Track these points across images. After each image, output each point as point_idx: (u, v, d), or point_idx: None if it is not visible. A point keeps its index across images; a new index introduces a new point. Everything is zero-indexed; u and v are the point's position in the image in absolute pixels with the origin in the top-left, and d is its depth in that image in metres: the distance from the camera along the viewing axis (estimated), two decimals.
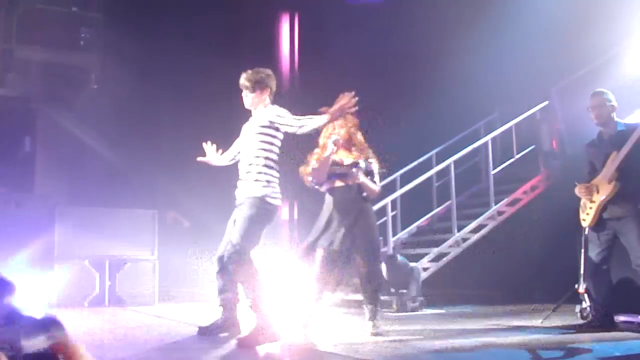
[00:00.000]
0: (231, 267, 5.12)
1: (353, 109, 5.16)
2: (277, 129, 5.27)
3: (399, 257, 8.38)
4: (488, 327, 6.15)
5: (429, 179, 10.13)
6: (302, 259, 5.61)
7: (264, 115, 5.32)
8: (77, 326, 5.78)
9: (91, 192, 9.57)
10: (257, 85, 5.40)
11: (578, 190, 5.77)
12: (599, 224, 5.64)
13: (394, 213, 9.57)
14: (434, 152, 10.82)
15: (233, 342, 5.00)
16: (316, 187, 5.67)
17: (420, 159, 10.78)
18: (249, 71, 5.45)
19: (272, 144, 5.27)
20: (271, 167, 5.25)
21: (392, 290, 8.12)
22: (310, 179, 5.61)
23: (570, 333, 5.53)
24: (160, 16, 10.02)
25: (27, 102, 9.63)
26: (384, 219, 9.35)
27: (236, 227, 5.13)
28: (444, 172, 9.97)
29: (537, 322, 6.19)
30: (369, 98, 11.47)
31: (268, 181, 5.19)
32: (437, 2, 11.41)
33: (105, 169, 9.79)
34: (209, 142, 5.81)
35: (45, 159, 9.83)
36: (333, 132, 5.62)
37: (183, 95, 9.70)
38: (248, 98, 5.44)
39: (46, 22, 9.69)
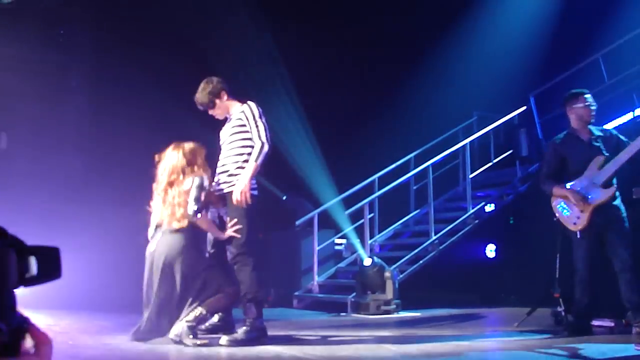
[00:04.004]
0: (237, 266, 5.14)
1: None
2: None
3: (375, 260, 8.38)
4: (463, 332, 6.16)
5: (407, 182, 10.16)
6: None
7: (238, 111, 5.41)
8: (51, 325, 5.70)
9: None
10: (213, 98, 5.44)
11: (573, 196, 5.48)
12: (589, 227, 5.48)
13: (371, 215, 9.57)
14: (412, 155, 10.84)
15: (224, 342, 4.95)
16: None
17: (399, 162, 10.79)
18: (197, 93, 5.48)
19: (249, 139, 5.31)
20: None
21: (369, 292, 8.12)
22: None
23: (545, 337, 5.54)
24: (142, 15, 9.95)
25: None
26: (361, 221, 9.37)
27: (237, 228, 5.16)
28: (422, 175, 10.00)
29: (512, 325, 6.20)
30: (348, 101, 11.60)
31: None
32: (416, 6, 11.46)
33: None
34: None
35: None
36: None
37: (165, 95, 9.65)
38: (214, 113, 5.52)
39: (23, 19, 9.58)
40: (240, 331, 5.09)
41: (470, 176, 10.11)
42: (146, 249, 5.22)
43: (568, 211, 5.57)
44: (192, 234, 5.14)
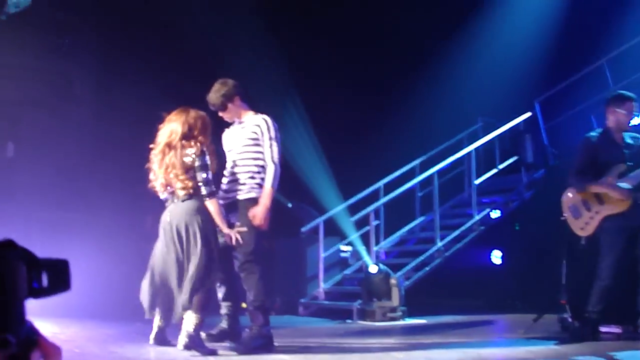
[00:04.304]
0: (243, 274, 5.15)
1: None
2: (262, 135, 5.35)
3: (381, 267, 8.37)
4: (469, 339, 6.14)
5: (413, 188, 10.15)
6: None
7: (253, 122, 5.39)
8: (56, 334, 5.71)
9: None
10: (225, 101, 5.44)
11: (616, 192, 5.33)
12: (621, 234, 5.34)
13: (376, 222, 9.56)
14: (417, 161, 10.82)
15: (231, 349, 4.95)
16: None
17: (404, 169, 10.77)
18: (210, 93, 5.47)
19: (261, 152, 5.34)
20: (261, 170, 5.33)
21: (374, 299, 8.10)
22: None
23: (553, 344, 5.51)
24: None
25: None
26: (367, 228, 9.36)
27: (243, 241, 5.15)
28: (427, 182, 9.99)
29: (518, 332, 6.18)
30: (352, 108, 11.60)
31: (259, 185, 5.27)
32: (422, 12, 11.47)
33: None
34: None
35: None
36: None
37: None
38: (224, 115, 5.51)
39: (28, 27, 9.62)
40: (247, 338, 5.09)
41: (476, 182, 10.09)
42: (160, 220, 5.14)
43: (577, 215, 5.50)
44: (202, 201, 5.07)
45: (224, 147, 5.56)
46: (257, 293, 5.13)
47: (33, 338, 1.01)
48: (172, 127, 5.10)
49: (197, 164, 4.98)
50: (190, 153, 4.99)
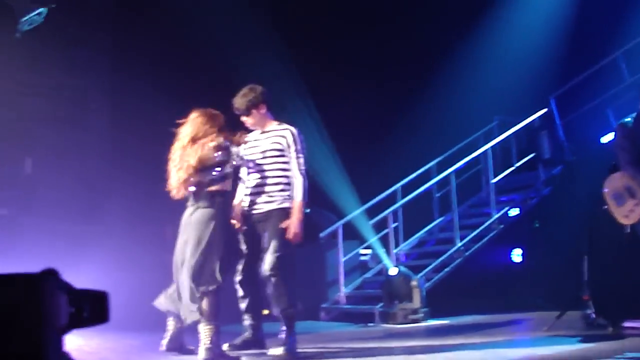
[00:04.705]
0: (274, 279, 5.15)
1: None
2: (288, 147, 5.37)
3: (401, 269, 8.35)
4: (493, 338, 6.10)
5: (430, 189, 10.13)
6: None
7: (278, 133, 5.40)
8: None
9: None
10: (251, 107, 5.44)
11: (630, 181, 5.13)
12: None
13: (395, 225, 9.54)
14: (434, 162, 10.78)
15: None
16: None
17: (421, 170, 10.74)
18: (237, 97, 5.48)
19: (288, 163, 5.38)
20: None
21: (396, 302, 8.08)
22: None
23: (576, 341, 5.46)
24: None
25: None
26: (386, 231, 9.35)
27: (274, 240, 5.20)
28: (445, 182, 9.96)
29: (541, 330, 6.13)
30: (367, 110, 11.59)
31: (290, 196, 5.32)
32: (436, 12, 11.46)
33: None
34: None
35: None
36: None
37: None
38: (247, 121, 5.50)
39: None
40: (290, 343, 5.08)
41: (493, 181, 10.05)
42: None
43: (621, 203, 5.20)
44: (222, 211, 5.10)
45: (246, 156, 5.50)
46: (288, 299, 5.19)
47: None
48: (194, 123, 5.14)
49: (217, 158, 5.01)
50: (213, 147, 5.03)
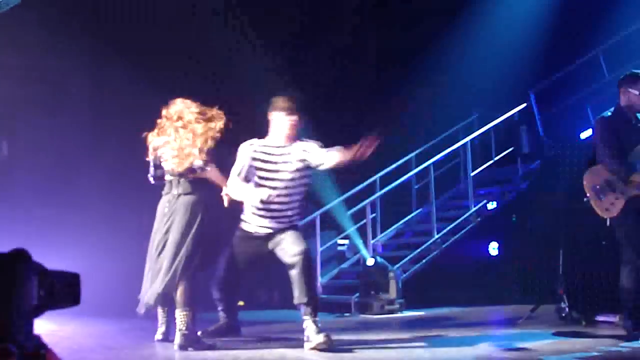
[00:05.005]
0: (305, 263, 5.10)
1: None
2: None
3: (378, 260, 8.38)
4: (468, 331, 6.14)
5: (409, 181, 10.16)
6: None
7: (300, 148, 5.41)
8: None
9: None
10: (298, 109, 5.63)
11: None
12: (621, 216, 5.06)
13: (373, 215, 9.56)
14: (413, 154, 10.81)
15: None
16: None
17: (400, 162, 10.76)
18: (280, 99, 5.57)
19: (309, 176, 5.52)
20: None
21: (372, 292, 8.11)
22: None
23: (550, 335, 5.51)
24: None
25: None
26: (364, 221, 9.36)
27: (294, 239, 5.24)
28: (423, 174, 10.00)
29: (516, 323, 6.18)
30: (347, 100, 11.58)
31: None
32: (416, 3, 11.46)
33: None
34: None
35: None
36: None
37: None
38: (291, 118, 5.54)
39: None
40: (320, 329, 5.00)
41: (472, 174, 10.11)
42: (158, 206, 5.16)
43: (602, 196, 5.13)
44: (206, 197, 5.09)
45: (270, 169, 5.38)
46: (315, 286, 5.37)
47: (41, 352, 1.00)
48: (188, 103, 5.14)
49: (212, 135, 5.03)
50: (218, 130, 5.07)
